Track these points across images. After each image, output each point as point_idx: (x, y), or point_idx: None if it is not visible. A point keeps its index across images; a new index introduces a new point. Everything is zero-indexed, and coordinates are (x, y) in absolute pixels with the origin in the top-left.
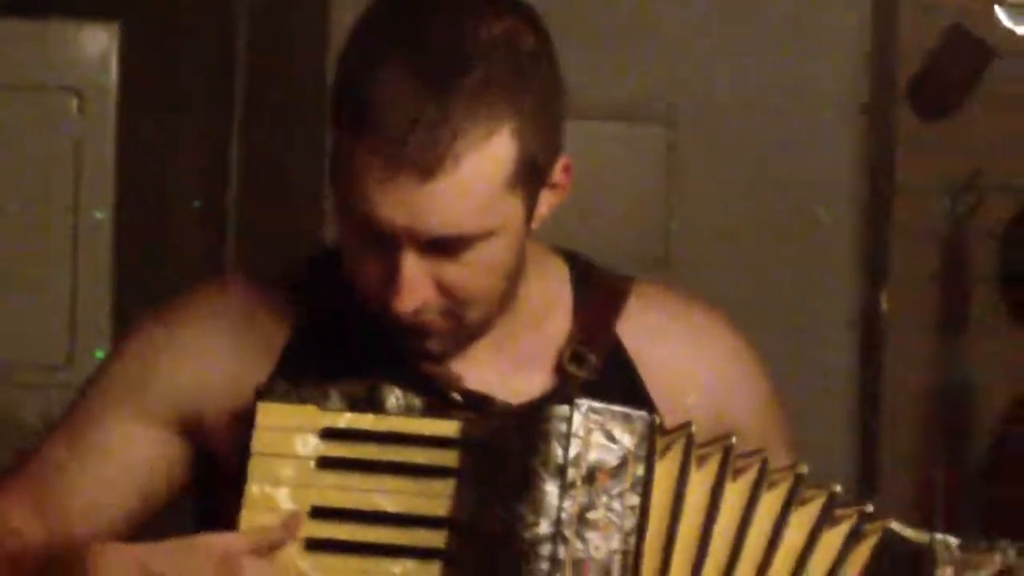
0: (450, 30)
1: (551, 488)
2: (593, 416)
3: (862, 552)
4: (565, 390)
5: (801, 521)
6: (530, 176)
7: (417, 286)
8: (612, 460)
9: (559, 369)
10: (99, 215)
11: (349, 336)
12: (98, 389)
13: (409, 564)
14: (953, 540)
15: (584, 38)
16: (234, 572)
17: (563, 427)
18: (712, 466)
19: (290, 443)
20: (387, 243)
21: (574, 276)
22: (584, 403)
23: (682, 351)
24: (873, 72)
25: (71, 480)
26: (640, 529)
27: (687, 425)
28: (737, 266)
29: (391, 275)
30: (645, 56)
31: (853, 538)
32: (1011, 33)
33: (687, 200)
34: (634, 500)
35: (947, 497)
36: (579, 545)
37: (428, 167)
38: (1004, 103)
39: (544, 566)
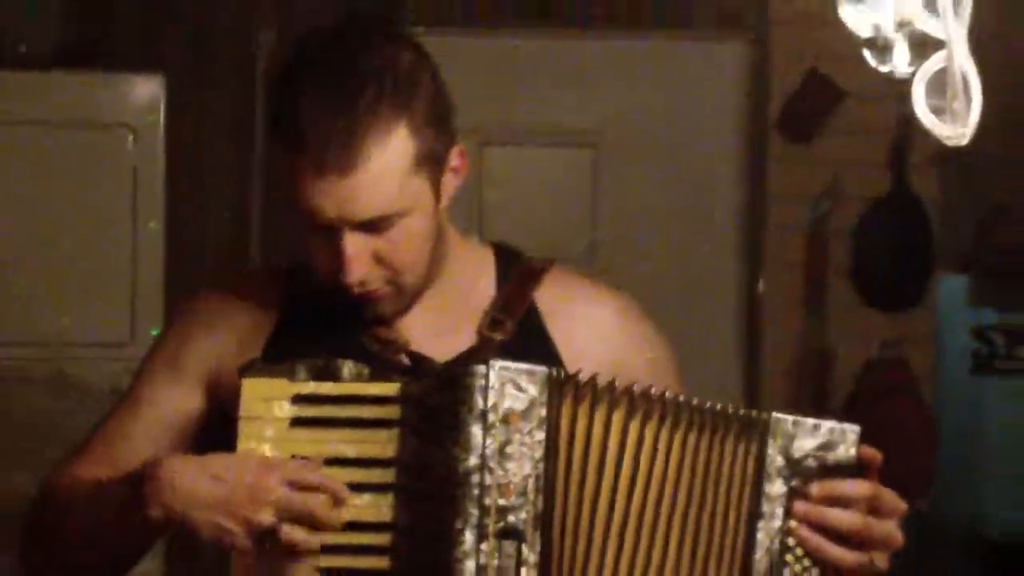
0: (345, 64)
1: (476, 430)
2: (504, 372)
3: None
4: (482, 350)
5: (653, 431)
6: (429, 162)
7: (358, 262)
8: (521, 405)
9: (480, 332)
10: (153, 225)
11: (318, 321)
12: (147, 364)
13: (367, 496)
14: (788, 417)
15: (532, 84)
16: (273, 469)
17: (482, 382)
18: (604, 405)
19: (269, 408)
20: (329, 232)
21: (499, 260)
22: (497, 363)
23: (587, 318)
24: (750, 109)
25: (127, 435)
26: (548, 456)
27: (593, 377)
28: (647, 259)
29: (337, 257)
30: (577, 96)
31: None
32: (871, 71)
33: (607, 208)
34: (540, 435)
35: None
36: (501, 472)
37: (345, 167)
38: (855, 129)
39: (475, 491)
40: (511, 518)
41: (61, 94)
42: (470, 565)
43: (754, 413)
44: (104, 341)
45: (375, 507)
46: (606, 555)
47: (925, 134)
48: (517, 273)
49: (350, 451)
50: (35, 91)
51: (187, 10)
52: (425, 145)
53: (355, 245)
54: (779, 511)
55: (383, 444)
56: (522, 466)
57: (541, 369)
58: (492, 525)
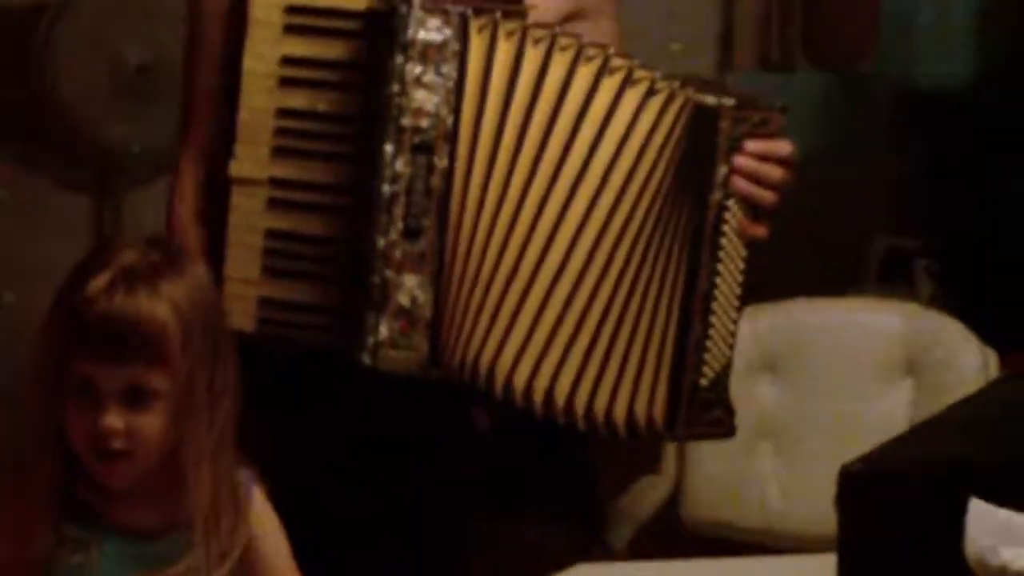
0: None
1: (399, 59)
2: (424, 10)
3: (672, 116)
4: None
5: (612, 91)
6: None
7: None
8: (438, 39)
9: None
10: None
11: None
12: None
13: (330, 93)
14: (730, 100)
15: None
16: None
17: (406, 18)
18: (513, 39)
19: (269, 14)
20: None
21: None
22: (417, 1)
23: None
24: None
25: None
26: (459, 85)
27: (515, 13)
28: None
29: None
30: None
31: (652, 96)
32: None
33: None
34: (453, 67)
35: None
36: (417, 97)
37: None
38: None
39: (395, 112)
40: (424, 136)
41: None
42: (388, 173)
43: (704, 96)
44: None
45: (336, 103)
46: (515, 172)
47: None
48: None
49: (328, 53)
50: None
51: None
52: None
53: None
54: (722, 182)
55: (341, 51)
56: (436, 92)
57: (457, 8)
58: (408, 142)
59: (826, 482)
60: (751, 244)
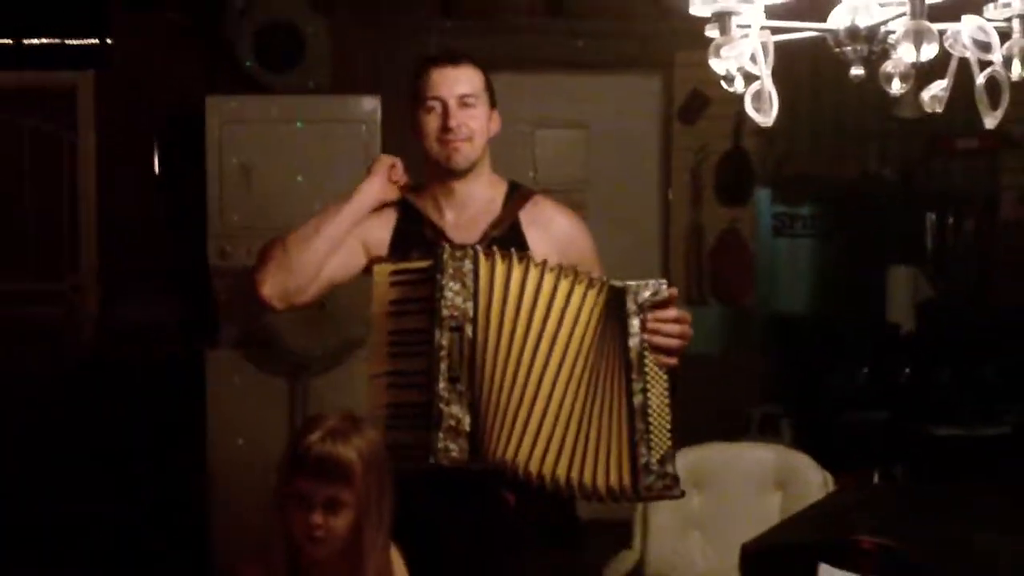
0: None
1: (439, 277)
2: (452, 249)
3: (600, 296)
4: (483, 241)
5: (567, 287)
6: (488, 94)
7: (457, 114)
8: (462, 265)
9: (486, 231)
10: None
11: (412, 227)
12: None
13: (420, 315)
14: (633, 282)
15: (560, 102)
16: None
17: (444, 257)
18: (505, 262)
19: (383, 277)
20: (439, 104)
21: (509, 188)
22: (446, 246)
23: (548, 227)
24: (664, 108)
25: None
26: (476, 290)
27: (505, 251)
28: (614, 186)
29: (445, 116)
30: (580, 105)
31: (591, 287)
32: (724, 90)
33: (593, 162)
34: (471, 279)
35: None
36: (451, 298)
37: (456, 61)
38: (716, 118)
39: (441, 309)
40: (456, 321)
41: (336, 105)
42: (438, 345)
43: (616, 282)
44: None
45: (419, 320)
46: (514, 336)
47: (750, 120)
48: (514, 198)
49: (413, 293)
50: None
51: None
52: (488, 85)
53: (455, 107)
54: (637, 332)
55: (423, 288)
56: (462, 296)
57: (473, 247)
58: (448, 325)
59: (733, 553)
60: (673, 376)
